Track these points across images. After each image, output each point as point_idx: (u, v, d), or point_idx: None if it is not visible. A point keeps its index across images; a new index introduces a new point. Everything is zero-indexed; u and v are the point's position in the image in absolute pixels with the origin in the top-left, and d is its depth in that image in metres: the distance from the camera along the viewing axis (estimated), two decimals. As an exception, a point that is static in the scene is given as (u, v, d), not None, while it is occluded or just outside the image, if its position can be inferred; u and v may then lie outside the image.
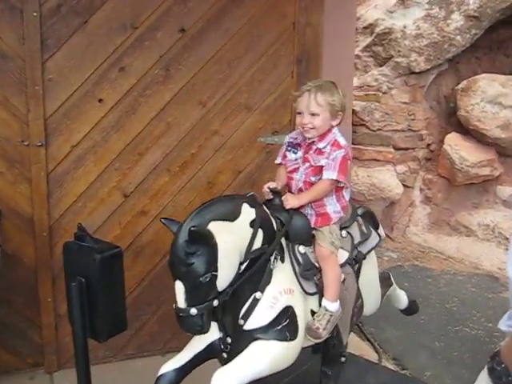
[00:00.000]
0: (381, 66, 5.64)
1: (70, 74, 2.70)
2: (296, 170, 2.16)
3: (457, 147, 5.39)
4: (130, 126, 2.85)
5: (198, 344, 2.01)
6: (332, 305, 2.09)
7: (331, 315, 2.08)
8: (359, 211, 2.41)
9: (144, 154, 2.89)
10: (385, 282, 2.69)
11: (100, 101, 2.77)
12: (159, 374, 1.96)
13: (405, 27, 5.42)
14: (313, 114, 2.07)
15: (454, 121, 5.70)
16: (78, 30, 2.68)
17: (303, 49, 3.08)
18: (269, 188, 2.08)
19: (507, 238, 5.05)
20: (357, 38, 5.59)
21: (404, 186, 5.45)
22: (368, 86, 5.51)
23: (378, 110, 5.41)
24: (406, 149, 5.51)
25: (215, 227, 1.72)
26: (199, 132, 2.96)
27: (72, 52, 2.68)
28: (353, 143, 4.88)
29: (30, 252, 2.81)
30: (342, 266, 2.15)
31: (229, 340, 1.96)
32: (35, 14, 2.57)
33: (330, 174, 2.06)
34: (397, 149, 5.46)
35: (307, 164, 2.12)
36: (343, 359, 2.31)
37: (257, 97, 3.05)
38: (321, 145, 2.10)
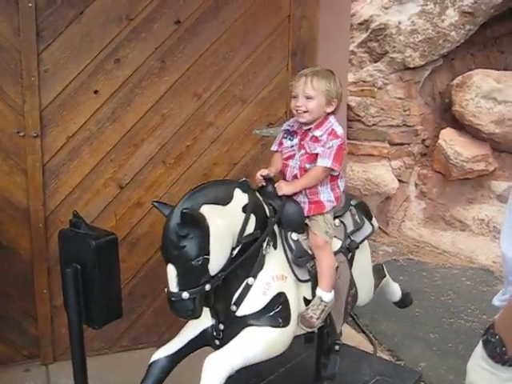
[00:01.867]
0: (376, 61, 5.64)
1: (65, 65, 2.70)
2: (292, 157, 2.16)
3: (451, 142, 5.41)
4: (126, 118, 2.85)
5: (190, 331, 2.01)
6: (327, 295, 2.09)
7: (326, 305, 2.09)
8: (352, 202, 2.42)
9: (139, 145, 2.90)
10: (378, 273, 2.70)
11: (95, 92, 2.78)
12: (151, 360, 1.96)
13: (400, 23, 5.43)
14: (307, 98, 2.08)
15: (449, 116, 5.72)
16: (73, 21, 2.68)
17: (298, 41, 3.10)
18: (261, 175, 2.09)
19: (501, 233, 5.07)
20: (352, 34, 5.60)
21: (399, 181, 5.46)
22: (363, 81, 5.51)
23: (373, 106, 5.42)
24: (402, 144, 5.52)
25: (207, 210, 1.72)
26: (194, 124, 2.97)
27: (68, 43, 2.68)
28: (348, 138, 4.89)
29: (25, 243, 2.81)
30: (335, 253, 2.15)
31: (221, 327, 1.96)
32: (30, 4, 2.57)
33: (324, 162, 2.06)
34: (392, 144, 5.47)
35: (303, 151, 2.13)
36: (337, 347, 2.31)
37: (252, 89, 3.06)
38: (317, 132, 2.10)
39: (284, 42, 3.08)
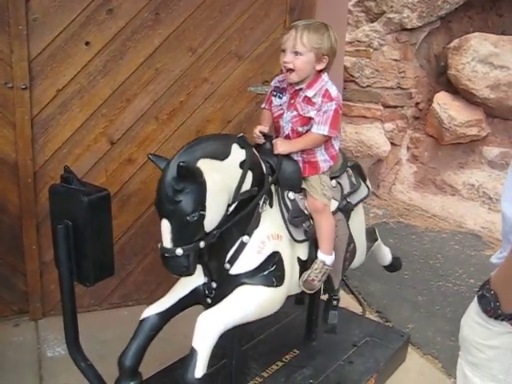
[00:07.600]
0: (372, 21, 5.52)
1: (55, 14, 2.60)
2: (281, 115, 2.09)
3: (445, 106, 5.36)
4: (118, 71, 2.77)
5: (181, 289, 1.99)
6: (329, 258, 2.11)
7: (327, 268, 2.11)
8: (349, 163, 2.40)
9: (132, 100, 2.83)
10: (370, 236, 2.71)
11: (87, 44, 2.69)
12: (142, 317, 1.95)
13: (398, -18, 5.30)
14: (296, 53, 1.95)
15: (444, 80, 5.65)
16: (63, -33, 2.56)
17: (297, -3, 3.00)
18: (261, 132, 2.04)
19: (491, 198, 5.09)
20: (349, -8, 5.47)
21: (391, 143, 5.43)
22: (359, 41, 5.41)
23: (368, 67, 5.33)
24: (395, 106, 5.46)
25: (205, 165, 1.67)
26: (188, 79, 2.90)
27: (57, -9, 2.57)
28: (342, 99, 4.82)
29: (13, 198, 2.76)
30: (332, 213, 2.13)
31: (214, 285, 1.94)
32: None
33: (320, 129, 2.00)
34: (385, 106, 5.41)
35: (295, 112, 2.05)
36: (335, 302, 2.32)
37: (248, 45, 2.98)
38: (309, 93, 2.01)
39: (282, -4, 2.98)
